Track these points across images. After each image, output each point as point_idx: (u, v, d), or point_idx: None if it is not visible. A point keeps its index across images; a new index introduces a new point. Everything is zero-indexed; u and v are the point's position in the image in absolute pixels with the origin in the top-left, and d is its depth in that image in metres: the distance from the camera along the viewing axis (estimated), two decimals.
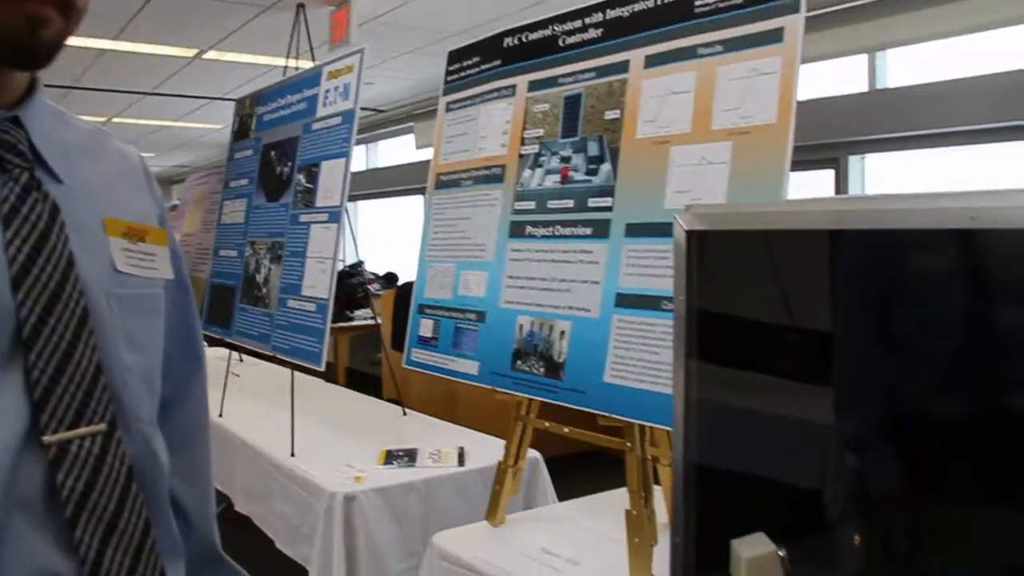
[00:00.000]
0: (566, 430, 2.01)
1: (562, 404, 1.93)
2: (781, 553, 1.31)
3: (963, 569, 1.60)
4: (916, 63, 4.82)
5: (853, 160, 4.98)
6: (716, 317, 1.39)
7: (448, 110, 2.60)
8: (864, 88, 4.99)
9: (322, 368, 2.95)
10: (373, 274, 8.01)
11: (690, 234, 1.30)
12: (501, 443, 2.23)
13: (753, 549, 1.31)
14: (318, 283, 3.02)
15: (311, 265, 3.09)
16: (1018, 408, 1.67)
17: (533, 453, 2.87)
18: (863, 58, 4.98)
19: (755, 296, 1.53)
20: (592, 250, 1.93)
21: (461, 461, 2.81)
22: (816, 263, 1.59)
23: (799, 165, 5.20)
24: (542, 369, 1.99)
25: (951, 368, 1.73)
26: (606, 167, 1.95)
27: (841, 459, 1.73)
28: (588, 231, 1.95)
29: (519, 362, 2.07)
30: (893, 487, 1.72)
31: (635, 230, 1.85)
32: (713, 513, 1.42)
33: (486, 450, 2.80)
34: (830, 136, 4.78)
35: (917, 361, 1.74)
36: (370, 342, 6.63)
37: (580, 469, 2.96)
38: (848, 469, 1.74)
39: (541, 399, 2.03)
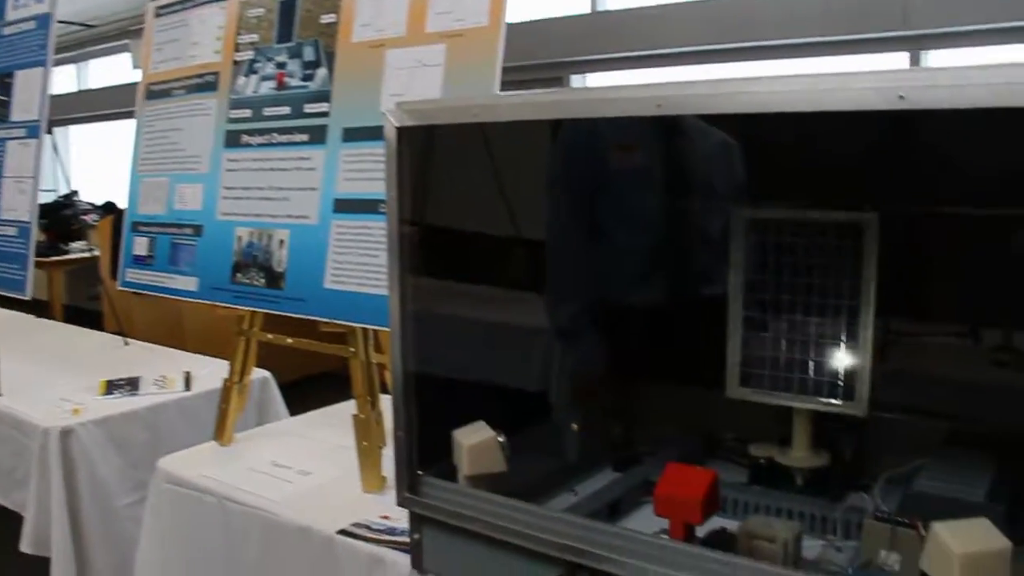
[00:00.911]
0: (289, 341, 1.98)
1: (284, 314, 1.90)
2: (500, 438, 1.37)
3: (669, 443, 1.74)
4: None
5: (575, 79, 5.16)
6: (430, 215, 1.41)
7: (157, 15, 2.44)
8: (586, 10, 5.14)
9: (27, 296, 2.74)
10: (89, 204, 7.48)
11: (400, 130, 1.30)
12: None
13: (473, 437, 1.35)
14: (18, 205, 2.79)
15: (9, 186, 2.84)
16: (706, 294, 1.82)
17: (263, 372, 2.82)
18: None
19: (467, 191, 1.56)
20: (310, 157, 1.89)
21: (187, 385, 2.71)
22: (525, 155, 1.64)
23: (523, 84, 5.32)
24: (262, 280, 1.95)
25: (650, 257, 1.86)
26: (322, 72, 1.91)
27: (556, 355, 1.82)
28: (305, 137, 1.91)
29: (239, 274, 2.01)
30: (603, 373, 1.83)
31: (352, 135, 1.83)
32: (435, 412, 1.45)
33: (214, 373, 2.70)
34: (553, 56, 4.91)
35: (620, 251, 1.86)
36: (88, 275, 6.22)
37: (315, 391, 2.93)
38: (563, 363, 1.84)
39: (263, 311, 1.99)
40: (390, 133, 1.30)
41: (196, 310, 4.47)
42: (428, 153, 1.40)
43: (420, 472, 1.40)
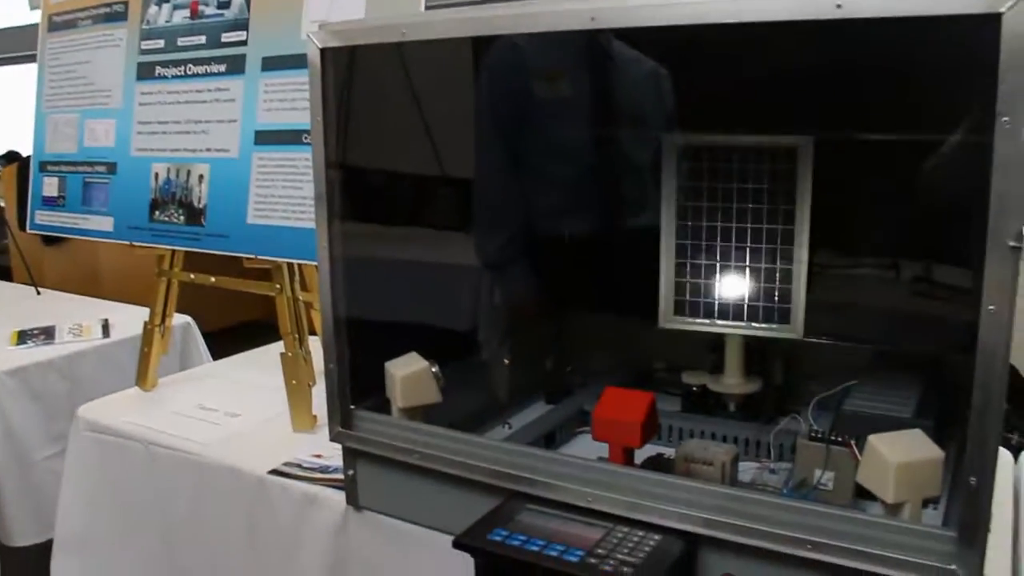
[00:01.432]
0: (212, 280, 1.92)
1: (206, 252, 1.84)
2: (434, 369, 1.34)
3: (602, 375, 1.74)
4: None
5: None
6: (356, 141, 1.36)
7: None
8: None
9: None
10: None
11: (325, 52, 1.25)
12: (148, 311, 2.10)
13: (406, 368, 1.33)
14: None
15: None
16: (637, 224, 1.81)
17: (184, 318, 2.76)
18: None
19: (395, 115, 1.52)
20: (228, 87, 1.81)
21: (106, 332, 2.63)
22: (455, 75, 1.60)
23: None
24: (182, 217, 1.88)
25: (578, 187, 1.85)
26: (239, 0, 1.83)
27: (486, 289, 1.80)
28: (222, 68, 1.83)
29: (157, 212, 1.93)
30: (533, 306, 1.82)
31: (272, 63, 1.75)
32: (367, 346, 1.42)
33: (133, 319, 2.61)
34: None
35: (547, 182, 1.84)
36: None
37: (241, 339, 2.86)
38: (493, 298, 1.82)
39: (184, 249, 1.92)
40: (314, 56, 1.25)
41: (111, 258, 4.33)
42: (351, 87, 1.35)
43: (353, 406, 1.37)
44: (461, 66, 1.64)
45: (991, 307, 0.81)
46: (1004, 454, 1.69)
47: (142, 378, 2.08)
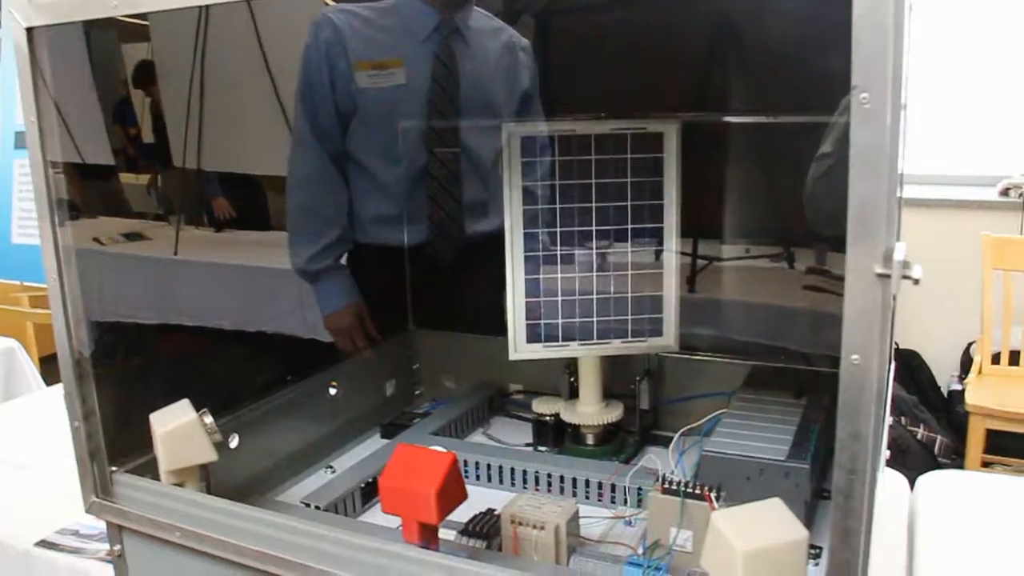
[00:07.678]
0: None
1: None
2: (207, 420, 1.08)
3: (448, 402, 1.51)
4: None
5: None
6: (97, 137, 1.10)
7: None
8: None
9: None
10: None
11: (31, 32, 0.98)
12: None
13: (169, 422, 1.06)
14: None
15: None
16: (480, 230, 1.58)
17: (9, 342, 2.47)
18: None
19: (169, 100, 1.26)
20: None
21: None
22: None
23: None
24: None
25: (411, 189, 1.60)
26: None
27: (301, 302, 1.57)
28: None
29: None
30: (358, 322, 1.58)
31: None
32: (137, 387, 1.17)
33: None
34: None
35: (375, 183, 1.59)
36: None
37: None
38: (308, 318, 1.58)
39: None
40: (19, 36, 0.98)
41: None
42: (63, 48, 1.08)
43: (114, 468, 1.11)
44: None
45: (854, 358, 0.58)
46: (898, 479, 1.50)
47: None
